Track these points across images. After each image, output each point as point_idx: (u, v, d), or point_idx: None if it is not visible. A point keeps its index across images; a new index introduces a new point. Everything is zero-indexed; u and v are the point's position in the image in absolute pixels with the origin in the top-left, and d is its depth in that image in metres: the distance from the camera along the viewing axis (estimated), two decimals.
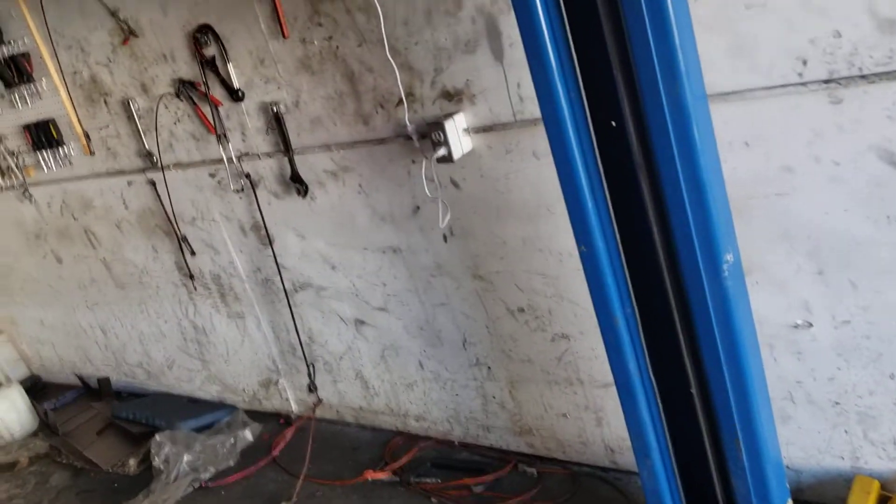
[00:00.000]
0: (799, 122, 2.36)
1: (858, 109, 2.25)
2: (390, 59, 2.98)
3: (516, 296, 3.24)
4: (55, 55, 4.12)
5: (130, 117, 4.02)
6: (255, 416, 4.64)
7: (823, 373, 2.72)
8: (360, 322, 3.88)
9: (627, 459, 3.30)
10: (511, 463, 3.65)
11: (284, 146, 3.53)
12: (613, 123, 2.28)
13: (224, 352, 4.62)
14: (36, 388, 5.81)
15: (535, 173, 2.92)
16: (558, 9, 2.15)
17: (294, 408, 4.56)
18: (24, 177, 4.78)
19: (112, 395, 5.39)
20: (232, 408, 4.75)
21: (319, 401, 4.33)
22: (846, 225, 2.43)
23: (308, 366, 4.18)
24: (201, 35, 3.49)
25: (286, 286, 4.01)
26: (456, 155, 2.96)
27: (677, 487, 2.68)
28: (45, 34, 4.07)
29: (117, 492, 4.35)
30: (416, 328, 3.68)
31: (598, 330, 2.53)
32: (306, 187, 3.60)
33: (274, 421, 4.61)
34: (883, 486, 2.74)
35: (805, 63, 2.27)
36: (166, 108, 3.85)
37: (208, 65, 3.55)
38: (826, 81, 2.26)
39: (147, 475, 4.31)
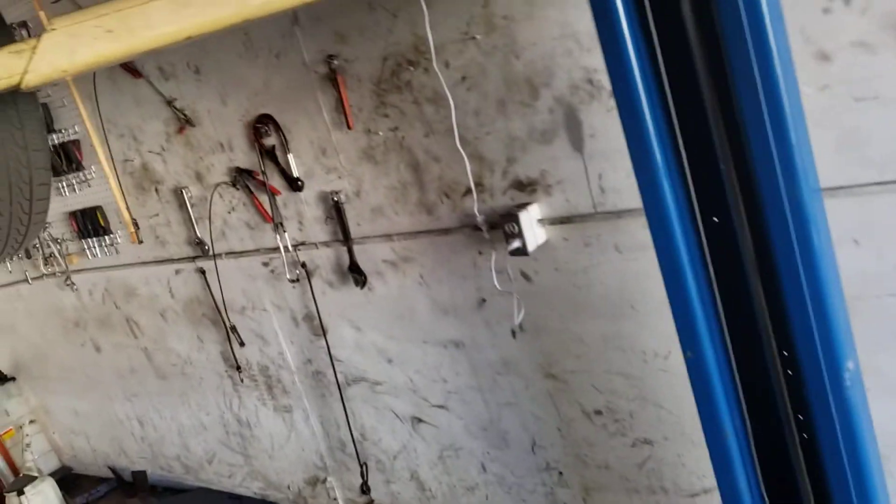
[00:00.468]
0: None
1: None
2: (460, 148, 2.87)
3: (593, 397, 3.05)
4: (106, 143, 4.07)
5: (182, 205, 3.94)
6: None
7: None
8: (417, 420, 3.68)
9: None
10: None
11: (343, 235, 3.42)
12: (716, 220, 2.15)
13: (269, 446, 4.42)
14: (67, 481, 5.61)
15: (617, 268, 2.77)
16: (665, 107, 2.04)
17: None
18: (66, 264, 4.69)
19: (147, 490, 5.18)
20: None
21: (371, 502, 4.10)
22: None
23: (361, 464, 3.97)
24: (261, 125, 3.43)
25: (339, 379, 3.83)
26: (531, 247, 2.82)
27: None
28: (97, 122, 4.04)
29: None
30: (479, 428, 3.48)
31: (684, 436, 2.36)
32: (364, 277, 3.47)
33: None
34: None
35: None
36: (221, 196, 3.77)
37: (267, 154, 3.48)
38: None
39: None
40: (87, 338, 4.97)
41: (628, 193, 2.66)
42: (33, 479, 5.10)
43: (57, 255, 4.69)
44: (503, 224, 2.82)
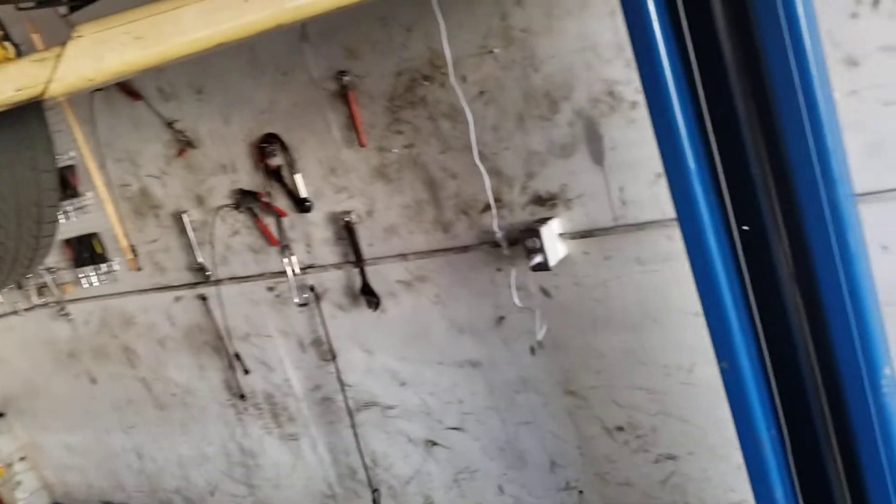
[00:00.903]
0: None
1: None
2: (478, 164, 2.85)
3: (614, 413, 3.00)
4: (103, 168, 3.99)
5: (182, 230, 3.86)
6: None
7: None
8: (430, 443, 3.61)
9: None
10: None
11: (355, 256, 3.36)
12: (746, 228, 2.13)
13: (274, 476, 4.30)
14: None
15: (638, 281, 2.74)
16: (698, 115, 2.02)
17: None
18: (60, 293, 4.58)
19: None
20: None
21: None
22: None
23: (372, 491, 3.87)
24: (267, 144, 3.37)
25: (348, 405, 3.75)
26: (552, 262, 2.79)
27: None
28: (95, 147, 3.95)
29: None
30: (496, 449, 3.41)
31: (710, 450, 2.32)
32: (377, 299, 3.41)
33: None
34: None
35: None
36: (223, 220, 3.70)
37: (273, 174, 3.42)
38: None
39: None
40: (81, 369, 4.83)
41: (650, 205, 2.64)
42: None
43: (50, 284, 4.57)
44: (524, 240, 2.78)
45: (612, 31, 2.48)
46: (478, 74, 2.77)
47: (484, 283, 3.10)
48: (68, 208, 4.25)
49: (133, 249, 4.12)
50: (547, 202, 2.83)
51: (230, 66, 3.33)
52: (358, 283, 3.41)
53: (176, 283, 4.07)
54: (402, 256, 3.26)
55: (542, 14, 2.58)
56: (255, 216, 3.60)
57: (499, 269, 3.03)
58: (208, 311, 4.00)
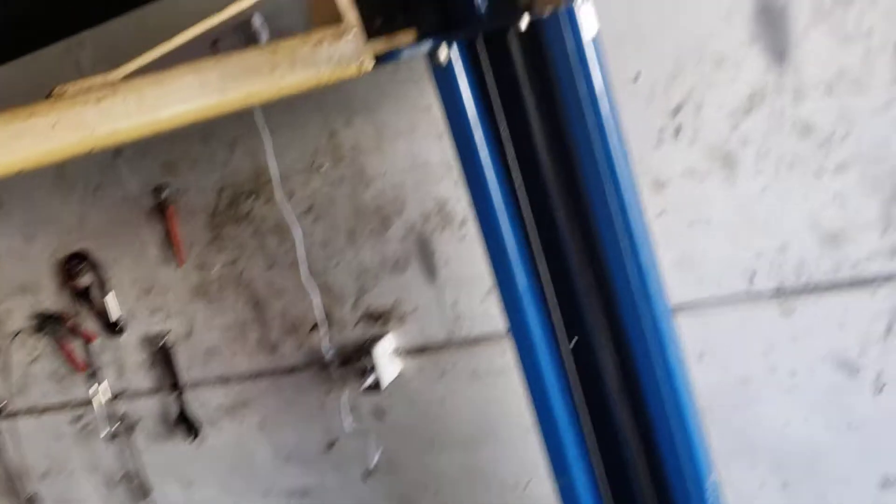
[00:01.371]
0: (752, 333, 2.36)
1: (810, 319, 2.29)
2: (306, 281, 2.76)
3: None
4: None
5: None
6: None
7: None
8: None
9: None
10: None
11: (172, 382, 3.11)
12: (576, 340, 2.18)
13: None
14: None
15: (474, 396, 2.72)
16: (525, 235, 2.07)
17: None
18: None
19: None
20: None
21: None
22: (807, 435, 2.39)
23: None
24: (75, 263, 3.11)
25: None
26: (385, 382, 2.71)
27: None
28: None
29: None
30: None
31: None
32: (196, 427, 3.15)
33: None
34: None
35: (754, 276, 2.31)
36: (22, 345, 3.33)
37: (81, 295, 3.15)
38: (776, 293, 2.30)
39: None
40: None
41: (482, 319, 2.65)
42: None
43: None
44: (355, 359, 2.70)
45: (441, 151, 2.53)
46: (306, 190, 2.72)
47: (313, 406, 2.95)
48: None
49: None
50: (379, 319, 2.77)
51: (34, 183, 3.08)
52: (175, 410, 3.15)
53: None
54: (224, 380, 3.06)
55: (372, 134, 2.59)
56: (60, 340, 3.27)
57: (329, 391, 2.91)
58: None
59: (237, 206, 2.83)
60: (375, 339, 2.72)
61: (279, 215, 2.75)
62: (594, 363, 2.14)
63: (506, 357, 2.62)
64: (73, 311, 3.18)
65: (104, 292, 3.11)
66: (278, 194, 2.70)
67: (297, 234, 2.72)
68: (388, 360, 2.72)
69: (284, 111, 2.63)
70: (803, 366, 2.34)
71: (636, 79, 2.26)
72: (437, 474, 2.85)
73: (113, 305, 3.12)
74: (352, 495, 3.01)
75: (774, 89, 2.16)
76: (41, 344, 3.30)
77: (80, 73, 2.85)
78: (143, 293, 3.07)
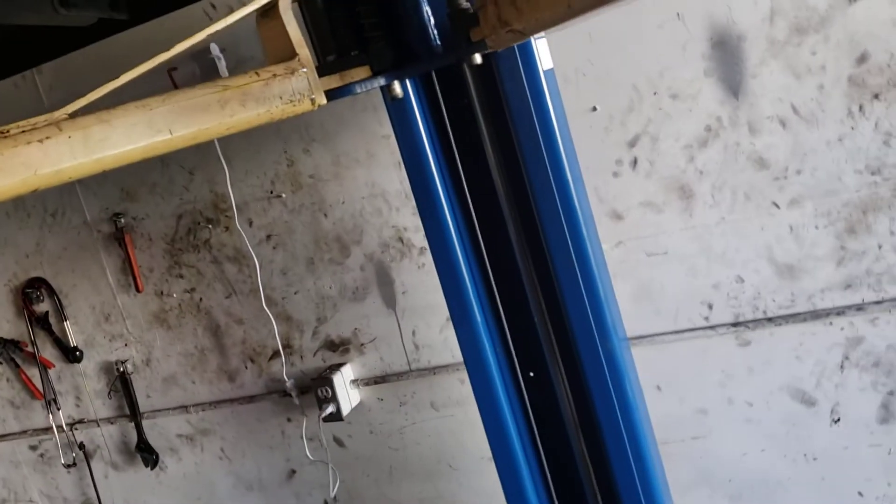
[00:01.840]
0: (709, 364, 2.37)
1: (767, 351, 2.30)
2: (266, 309, 2.74)
3: None
4: None
5: None
6: None
7: None
8: None
9: None
10: None
11: (131, 409, 3.06)
12: (532, 374, 2.17)
13: None
14: None
15: (434, 426, 2.70)
16: (482, 267, 2.07)
17: None
18: None
19: None
20: None
21: None
22: (765, 465, 2.40)
23: None
24: (32, 290, 3.06)
25: None
26: (345, 411, 2.68)
27: None
28: None
29: None
30: None
31: None
32: (155, 455, 3.10)
33: None
34: None
35: (711, 307, 2.32)
36: None
37: (39, 322, 3.09)
38: (733, 325, 2.31)
39: None
40: None
41: (441, 349, 2.64)
42: None
43: None
44: (315, 388, 2.67)
45: (400, 180, 2.52)
46: (265, 218, 2.70)
47: (273, 434, 2.92)
48: None
49: None
50: (340, 347, 2.75)
51: None
52: (134, 438, 3.10)
53: None
54: (184, 408, 3.01)
55: (331, 162, 2.58)
56: (17, 367, 3.21)
57: (289, 420, 2.88)
58: None
59: (196, 233, 2.80)
60: (335, 368, 2.70)
61: (238, 243, 2.73)
62: (550, 395, 2.14)
63: (465, 387, 2.61)
64: (31, 338, 3.12)
65: (62, 319, 3.06)
66: (237, 222, 2.67)
67: (256, 262, 2.69)
68: (347, 389, 2.70)
69: (243, 138, 2.61)
70: (760, 397, 2.35)
71: (593, 111, 2.27)
72: None
73: (71, 332, 3.07)
74: None
75: (730, 122, 2.18)
76: None
77: (41, 102, 2.81)
78: (102, 320, 3.02)
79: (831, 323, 2.23)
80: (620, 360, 2.02)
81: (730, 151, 2.19)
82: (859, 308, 2.18)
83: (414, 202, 2.43)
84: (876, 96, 2.03)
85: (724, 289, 2.29)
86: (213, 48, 2.51)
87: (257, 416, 2.94)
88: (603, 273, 2.02)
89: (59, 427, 3.18)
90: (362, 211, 2.59)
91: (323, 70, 1.81)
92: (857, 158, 2.08)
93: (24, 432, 3.30)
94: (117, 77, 1.59)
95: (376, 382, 2.73)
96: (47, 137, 1.59)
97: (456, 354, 2.59)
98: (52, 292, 3.05)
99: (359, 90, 1.84)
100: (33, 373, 3.16)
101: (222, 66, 2.54)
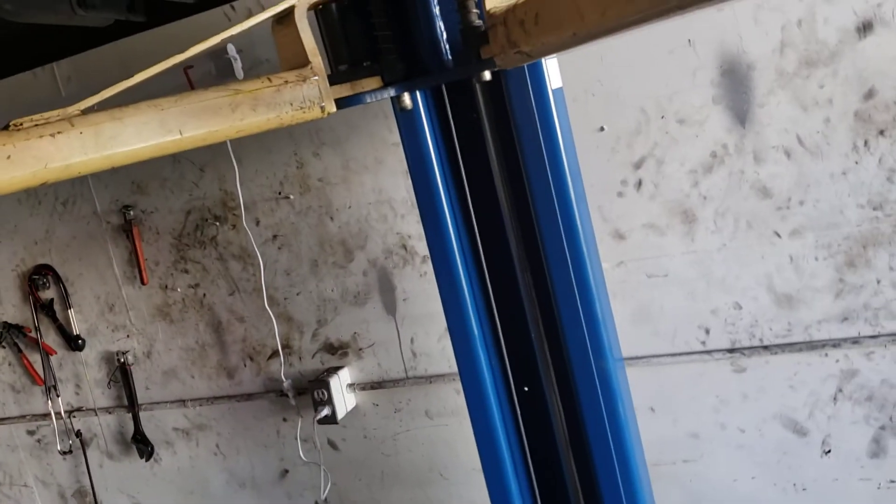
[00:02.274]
0: (704, 389, 2.38)
1: (761, 378, 2.31)
2: (268, 308, 2.76)
3: None
4: None
5: None
6: None
7: None
8: None
9: None
10: None
11: (129, 400, 3.09)
12: (526, 389, 2.19)
13: None
14: None
15: (427, 435, 2.72)
16: (482, 281, 2.09)
17: None
18: None
19: None
20: None
21: None
22: (755, 492, 2.41)
23: None
24: (39, 276, 3.09)
25: None
26: (340, 414, 2.70)
27: None
28: None
29: None
30: None
31: None
32: (151, 447, 3.13)
33: None
34: None
35: (708, 332, 2.33)
36: None
37: (44, 309, 3.13)
38: (729, 351, 2.32)
39: None
40: None
41: (439, 358, 2.66)
42: None
43: None
44: (312, 390, 2.69)
45: (406, 188, 2.54)
46: (272, 218, 2.72)
47: (269, 433, 2.95)
48: None
49: None
50: (338, 351, 2.77)
51: None
52: (131, 429, 3.13)
53: None
54: (182, 402, 3.04)
55: (340, 166, 2.60)
56: (20, 352, 3.25)
57: (285, 420, 2.90)
58: None
59: (203, 229, 2.83)
60: (332, 371, 2.72)
61: (244, 241, 2.76)
62: (543, 411, 2.16)
63: (460, 397, 2.60)
64: (35, 324, 3.15)
65: (67, 306, 3.09)
66: (244, 221, 2.70)
67: (261, 261, 2.72)
68: (343, 393, 2.72)
69: (255, 139, 2.63)
70: (753, 424, 2.35)
71: (601, 131, 2.29)
72: None
73: (75, 320, 3.10)
74: None
75: (735, 150, 2.19)
76: (0, 355, 3.27)
77: (58, 93, 2.85)
78: (106, 310, 3.06)
79: (827, 354, 2.23)
80: (614, 380, 2.04)
81: (734, 179, 2.21)
82: (855, 341, 2.19)
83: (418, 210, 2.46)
84: (881, 132, 2.04)
85: (722, 314, 2.30)
86: (230, 49, 2.54)
87: (254, 414, 2.96)
88: (601, 292, 2.03)
89: (58, 414, 3.22)
90: (368, 216, 2.62)
91: (334, 78, 1.84)
92: (859, 193, 2.09)
93: (23, 417, 3.33)
94: (132, 76, 1.62)
95: (372, 388, 2.75)
96: (59, 132, 1.63)
97: (453, 364, 2.59)
98: (58, 280, 3.08)
99: (369, 100, 1.87)
100: (35, 358, 3.20)
101: (238, 66, 2.57)
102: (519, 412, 2.19)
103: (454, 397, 2.65)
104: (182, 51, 1.65)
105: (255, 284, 2.79)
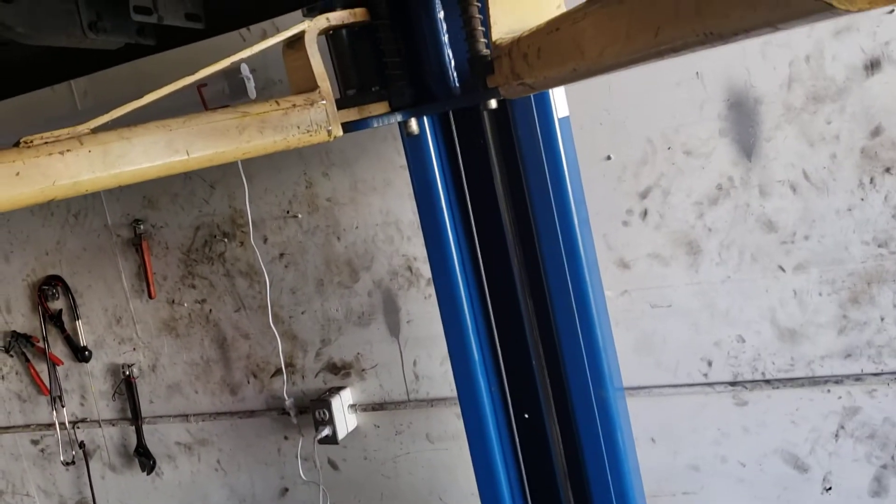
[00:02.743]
0: (705, 421, 2.36)
1: (763, 413, 2.29)
2: (272, 326, 2.78)
3: None
4: None
5: None
6: None
7: None
8: None
9: None
10: None
11: (133, 413, 3.11)
12: (526, 416, 2.19)
13: None
14: None
15: (427, 458, 2.71)
16: (484, 307, 2.10)
17: None
18: None
19: None
20: None
21: None
22: None
23: None
24: (48, 287, 3.13)
25: None
26: (341, 435, 2.71)
27: None
28: None
29: None
30: None
31: None
32: (153, 461, 3.14)
33: None
34: None
35: (710, 364, 2.32)
36: None
37: (52, 319, 3.16)
38: (731, 384, 2.31)
39: None
40: None
41: (441, 381, 2.66)
42: None
43: None
44: (314, 409, 2.70)
45: (413, 210, 2.54)
46: (280, 237, 2.75)
47: (270, 451, 2.95)
48: None
49: None
50: (341, 370, 2.78)
51: None
52: (133, 442, 3.14)
53: None
54: (185, 417, 3.05)
55: (348, 187, 2.63)
56: (27, 362, 3.28)
57: (286, 438, 2.91)
58: None
59: (211, 245, 2.85)
60: (335, 391, 2.72)
61: (252, 259, 2.78)
62: (542, 439, 2.15)
63: (461, 422, 2.60)
64: (43, 334, 3.18)
65: (75, 318, 3.12)
66: (252, 238, 2.73)
67: (267, 278, 2.74)
68: (344, 414, 2.72)
69: (265, 157, 2.65)
70: (753, 458, 2.34)
71: (608, 160, 2.30)
72: None
73: (82, 332, 3.13)
74: None
75: (741, 183, 2.19)
76: (8, 363, 3.30)
77: (74, 107, 2.89)
78: (113, 322, 3.08)
79: (829, 391, 2.22)
80: (613, 410, 2.03)
81: (739, 211, 2.21)
82: (858, 378, 2.18)
83: None
84: (888, 170, 2.04)
85: (724, 347, 2.29)
86: (243, 68, 2.57)
87: (256, 431, 2.97)
88: (603, 321, 2.04)
89: (62, 424, 3.24)
90: (374, 237, 2.63)
91: (343, 102, 1.86)
92: (864, 230, 2.09)
93: (28, 426, 3.36)
94: (145, 94, 1.64)
95: (374, 409, 2.76)
96: (68, 150, 1.65)
97: (454, 388, 2.59)
98: (67, 291, 3.11)
99: (376, 125, 1.89)
100: (42, 368, 3.23)
101: (251, 86, 2.60)
102: (518, 439, 2.19)
103: (455, 422, 2.64)
104: (195, 71, 1.68)
105: (260, 302, 2.81)
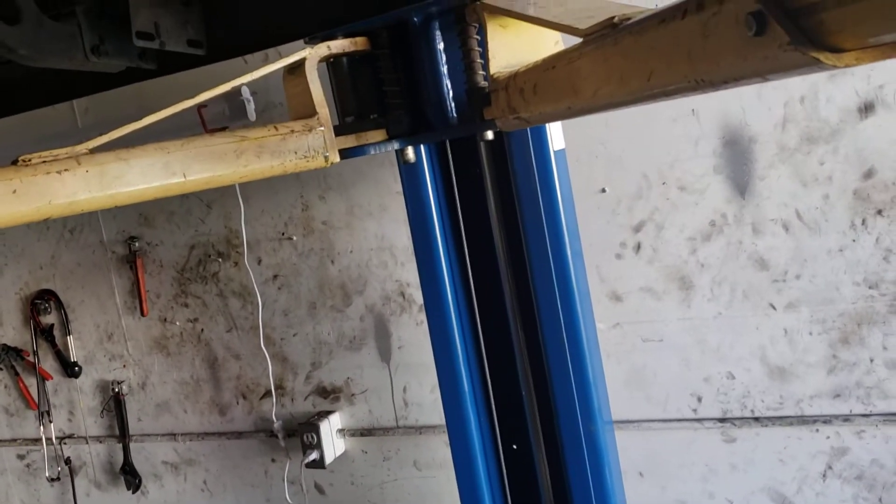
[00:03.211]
0: (694, 457, 2.36)
1: (751, 450, 2.29)
2: (263, 348, 2.77)
3: None
4: None
5: None
6: None
7: None
8: None
9: None
10: None
11: (121, 431, 3.09)
12: (514, 447, 2.18)
13: None
14: None
15: (415, 485, 2.70)
16: (476, 338, 2.10)
17: None
18: None
19: None
20: None
21: None
22: None
23: None
24: (41, 301, 3.12)
25: None
26: (328, 459, 2.69)
27: None
28: None
29: None
30: None
31: None
32: (138, 480, 3.12)
33: None
34: None
35: (700, 400, 2.32)
36: None
37: (44, 333, 3.15)
38: (720, 420, 2.31)
39: None
40: None
41: (430, 409, 2.65)
42: None
43: None
44: (302, 433, 2.69)
45: (408, 236, 2.55)
46: (274, 258, 2.75)
47: (257, 473, 2.94)
48: None
49: None
50: (330, 395, 2.77)
51: None
52: (120, 459, 3.12)
53: None
54: (172, 436, 3.04)
55: (344, 211, 2.64)
56: (17, 375, 3.26)
57: (273, 460, 2.89)
58: None
59: (206, 265, 2.86)
60: (323, 416, 2.71)
61: (245, 279, 2.78)
62: (530, 470, 2.15)
63: (449, 450, 2.60)
64: (34, 348, 3.17)
65: (66, 333, 3.12)
66: (246, 259, 2.73)
67: (259, 300, 2.74)
68: (333, 437, 2.71)
69: (263, 179, 2.67)
70: (741, 496, 2.33)
71: (602, 193, 2.31)
72: None
73: (73, 347, 3.12)
74: None
75: (734, 220, 2.20)
76: None
77: (75, 124, 2.91)
78: (105, 338, 3.08)
79: (818, 430, 2.22)
80: (602, 443, 2.03)
81: (732, 248, 2.22)
82: (846, 419, 2.18)
83: None
84: (879, 212, 2.06)
85: (714, 383, 2.29)
86: (244, 91, 2.59)
87: (243, 452, 2.95)
88: (594, 353, 2.04)
89: (49, 439, 3.22)
90: (369, 262, 2.64)
91: (341, 129, 1.88)
92: (856, 270, 2.10)
93: (14, 440, 3.34)
94: (144, 115, 1.65)
95: (362, 434, 2.75)
96: (66, 170, 1.66)
97: (444, 416, 2.60)
98: (60, 306, 3.11)
99: (373, 152, 1.91)
100: (31, 382, 3.22)
101: (251, 108, 2.62)
102: (505, 469, 2.18)
103: (444, 449, 2.63)
104: (196, 93, 1.69)
105: (252, 323, 2.81)
